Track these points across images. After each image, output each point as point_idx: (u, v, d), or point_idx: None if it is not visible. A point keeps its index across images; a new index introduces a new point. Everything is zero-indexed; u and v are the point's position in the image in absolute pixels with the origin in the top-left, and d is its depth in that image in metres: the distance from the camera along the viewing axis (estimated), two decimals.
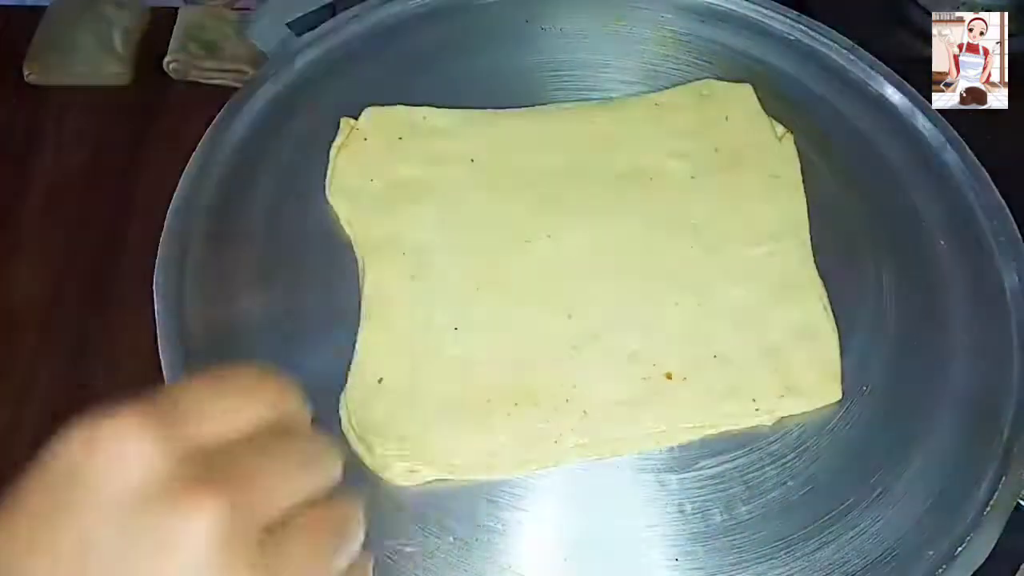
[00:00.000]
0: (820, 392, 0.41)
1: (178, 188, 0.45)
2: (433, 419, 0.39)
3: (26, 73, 0.74)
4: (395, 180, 0.46)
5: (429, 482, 0.38)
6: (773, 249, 0.45)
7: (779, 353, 0.42)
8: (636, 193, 0.46)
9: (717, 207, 0.46)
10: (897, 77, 0.53)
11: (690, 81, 0.52)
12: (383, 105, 0.49)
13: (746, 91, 0.51)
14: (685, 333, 0.42)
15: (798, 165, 0.48)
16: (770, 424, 0.41)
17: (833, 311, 0.44)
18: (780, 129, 0.50)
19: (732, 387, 0.41)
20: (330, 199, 0.46)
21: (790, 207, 0.47)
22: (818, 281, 0.44)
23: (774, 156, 0.48)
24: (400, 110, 0.48)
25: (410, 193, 0.46)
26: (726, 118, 0.49)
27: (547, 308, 0.43)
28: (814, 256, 0.45)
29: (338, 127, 0.48)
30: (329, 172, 0.46)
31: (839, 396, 0.41)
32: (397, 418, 0.39)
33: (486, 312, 0.42)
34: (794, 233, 0.46)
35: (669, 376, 0.41)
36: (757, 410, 0.40)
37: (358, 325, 0.42)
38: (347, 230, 0.45)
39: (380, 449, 0.38)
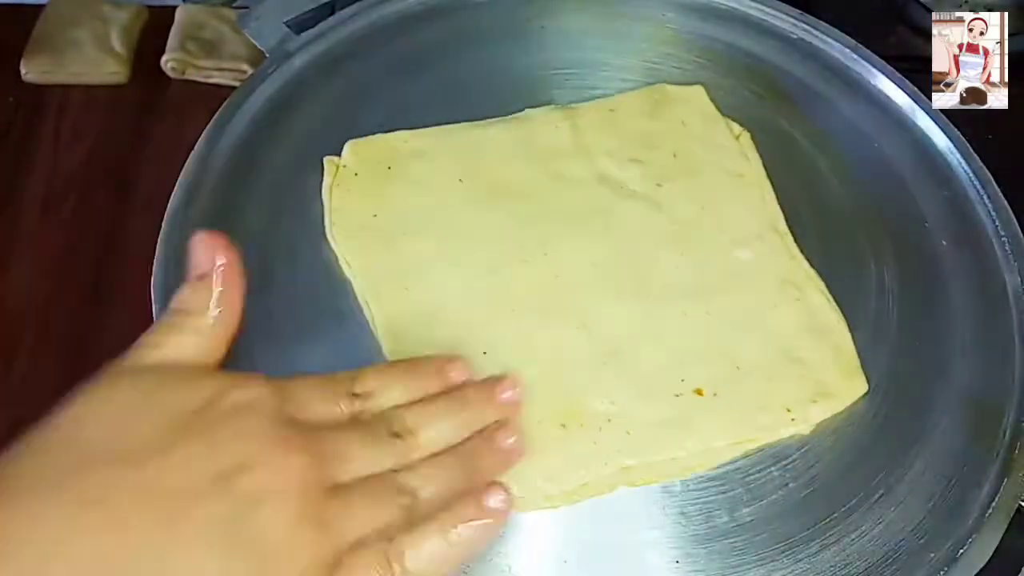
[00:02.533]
0: (848, 389, 0.41)
1: (176, 187, 0.45)
2: None
3: (23, 72, 0.73)
4: (396, 211, 0.45)
5: None
6: (760, 249, 0.45)
7: (798, 356, 0.42)
8: (610, 202, 0.46)
9: (691, 213, 0.46)
10: (899, 76, 0.53)
11: (688, 83, 0.52)
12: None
13: (699, 93, 0.51)
14: (702, 344, 0.42)
15: (759, 161, 0.48)
16: (808, 432, 0.40)
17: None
18: (737, 128, 0.50)
19: (763, 398, 0.40)
20: (332, 240, 0.44)
21: (762, 204, 0.47)
22: (813, 273, 0.45)
23: (734, 156, 0.48)
24: (379, 139, 0.48)
25: (410, 223, 0.45)
26: (682, 123, 0.49)
27: (564, 326, 0.42)
28: (804, 252, 0.45)
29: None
30: (327, 214, 0.45)
31: (866, 388, 0.41)
32: None
33: (508, 334, 0.41)
34: (773, 229, 0.46)
35: (700, 392, 0.40)
36: (793, 419, 0.40)
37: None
38: (347, 271, 0.43)
39: None
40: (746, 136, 0.49)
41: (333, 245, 0.44)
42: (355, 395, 0.33)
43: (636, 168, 0.48)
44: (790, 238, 0.46)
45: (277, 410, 0.30)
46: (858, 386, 0.41)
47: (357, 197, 0.46)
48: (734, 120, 0.50)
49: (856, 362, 0.42)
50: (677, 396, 0.40)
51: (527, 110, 0.50)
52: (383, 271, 0.43)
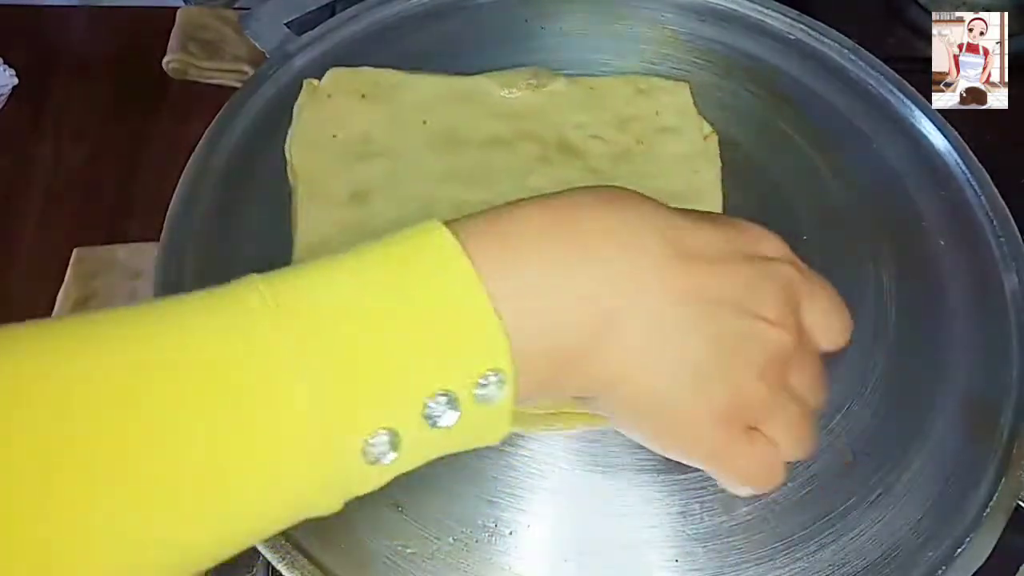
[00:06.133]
0: None
1: (178, 188, 0.45)
2: None
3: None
4: (354, 136, 0.47)
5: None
6: None
7: None
8: (561, 172, 0.47)
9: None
10: (897, 77, 0.53)
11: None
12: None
13: (682, 89, 0.51)
14: None
15: (718, 165, 0.48)
16: None
17: None
18: (707, 128, 0.49)
19: None
20: (288, 151, 0.46)
21: (705, 204, 0.46)
22: None
23: (695, 153, 0.48)
24: (365, 71, 0.49)
25: (364, 150, 0.46)
26: (656, 113, 0.49)
27: None
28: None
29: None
30: (292, 128, 0.47)
31: None
32: None
33: None
34: None
35: None
36: None
37: None
38: (291, 179, 0.45)
39: None
40: (713, 138, 0.49)
41: (288, 156, 0.46)
42: None
43: (597, 145, 0.48)
44: None
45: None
46: None
47: (323, 117, 0.47)
48: (707, 120, 0.50)
49: None
50: None
51: (515, 68, 0.50)
52: (326, 187, 0.45)
